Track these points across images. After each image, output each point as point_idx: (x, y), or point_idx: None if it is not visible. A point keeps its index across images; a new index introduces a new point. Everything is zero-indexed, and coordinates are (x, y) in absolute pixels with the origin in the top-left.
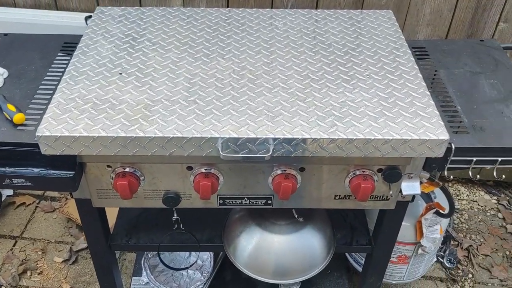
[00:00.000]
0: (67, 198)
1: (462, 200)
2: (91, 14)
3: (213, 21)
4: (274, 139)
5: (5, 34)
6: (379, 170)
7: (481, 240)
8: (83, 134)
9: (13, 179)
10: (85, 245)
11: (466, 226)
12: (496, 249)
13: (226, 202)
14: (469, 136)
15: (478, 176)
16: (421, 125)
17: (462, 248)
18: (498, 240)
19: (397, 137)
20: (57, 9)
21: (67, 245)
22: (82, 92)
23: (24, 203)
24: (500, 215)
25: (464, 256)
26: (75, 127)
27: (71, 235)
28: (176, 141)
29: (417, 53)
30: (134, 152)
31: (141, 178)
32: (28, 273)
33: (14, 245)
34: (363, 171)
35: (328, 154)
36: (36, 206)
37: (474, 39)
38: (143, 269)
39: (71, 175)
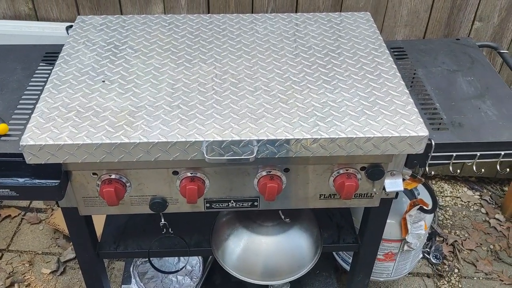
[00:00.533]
0: (53, 209)
1: (446, 196)
2: (72, 24)
3: (194, 27)
4: (258, 141)
5: None
6: (362, 168)
7: (466, 235)
8: (68, 142)
9: None
10: (73, 255)
11: (451, 222)
12: (481, 244)
13: (213, 206)
14: (449, 132)
15: (458, 171)
16: (401, 123)
17: (447, 244)
18: (482, 235)
19: (378, 135)
20: (38, 20)
21: (54, 256)
22: (66, 100)
23: (9, 215)
24: (483, 210)
25: (450, 251)
26: (60, 135)
27: (59, 246)
28: (161, 146)
29: (396, 53)
30: (120, 159)
31: (127, 184)
32: (16, 286)
33: (0, 258)
34: (347, 170)
35: (312, 154)
36: (22, 218)
37: (450, 38)
38: (132, 276)
39: (56, 184)
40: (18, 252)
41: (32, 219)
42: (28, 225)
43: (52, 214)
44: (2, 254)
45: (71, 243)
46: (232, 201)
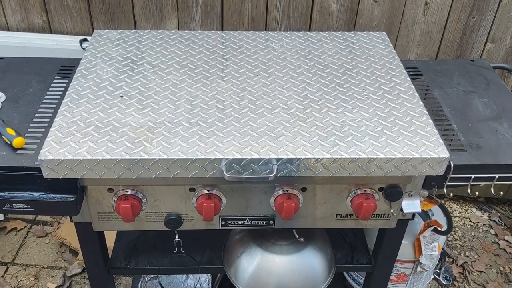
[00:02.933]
0: (59, 222)
1: (455, 217)
2: (86, 37)
3: (211, 43)
4: (278, 159)
5: (1, 58)
6: (380, 189)
7: (475, 256)
8: (87, 157)
9: (13, 204)
10: (79, 270)
11: (460, 243)
12: (490, 265)
13: (228, 223)
14: (467, 154)
15: (477, 193)
16: (421, 144)
17: (457, 265)
18: (491, 256)
19: (399, 156)
20: (51, 33)
21: (60, 270)
22: (84, 115)
23: (15, 228)
24: (492, 231)
25: (460, 273)
26: (78, 150)
27: (64, 260)
28: (180, 162)
29: (411, 73)
30: (138, 175)
31: (143, 200)
32: None
33: (5, 272)
34: (365, 190)
35: (331, 173)
36: (28, 231)
37: (464, 59)
38: None
39: (72, 199)
40: (23, 265)
41: (38, 232)
42: (34, 238)
43: (58, 227)
44: (8, 268)
45: (77, 257)
46: (247, 219)
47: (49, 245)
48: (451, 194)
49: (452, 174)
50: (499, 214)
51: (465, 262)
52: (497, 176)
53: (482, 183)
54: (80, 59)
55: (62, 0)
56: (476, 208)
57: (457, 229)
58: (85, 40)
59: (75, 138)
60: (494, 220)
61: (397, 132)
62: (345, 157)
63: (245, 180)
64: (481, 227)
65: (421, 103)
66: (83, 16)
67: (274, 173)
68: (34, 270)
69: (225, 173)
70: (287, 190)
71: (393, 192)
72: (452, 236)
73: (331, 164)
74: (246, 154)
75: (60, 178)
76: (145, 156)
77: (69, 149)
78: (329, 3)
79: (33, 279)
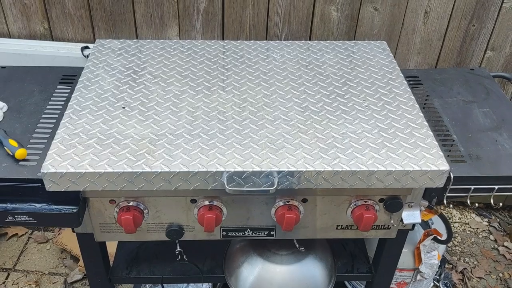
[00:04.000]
0: (60, 228)
1: (455, 223)
2: (87, 44)
3: (212, 53)
4: (279, 172)
5: (3, 67)
6: (381, 200)
7: (475, 262)
8: (89, 170)
9: (15, 216)
10: (80, 276)
11: (460, 249)
12: (490, 272)
13: (229, 234)
14: (467, 165)
15: (477, 204)
16: (421, 156)
17: (456, 271)
18: (491, 263)
19: (400, 169)
20: (53, 40)
21: (61, 277)
22: (86, 126)
23: (16, 234)
24: (491, 237)
25: (459, 279)
26: (81, 163)
27: (65, 266)
28: (182, 175)
29: (411, 82)
30: (140, 187)
31: (145, 211)
32: None
33: (6, 278)
34: (365, 202)
35: (332, 185)
36: (29, 237)
37: (464, 68)
38: None
39: (75, 211)
40: (24, 272)
41: (39, 238)
42: (35, 244)
43: (59, 234)
44: (9, 274)
45: (78, 263)
46: (248, 229)
47: (50, 251)
48: (451, 205)
49: (452, 185)
50: (498, 220)
51: (465, 268)
52: (496, 187)
53: (481, 194)
54: (81, 68)
55: (63, 7)
56: (475, 214)
57: (456, 235)
58: (87, 47)
59: (77, 151)
60: (493, 226)
61: (398, 144)
62: (345, 170)
63: (246, 193)
64: (480, 233)
65: (421, 114)
66: (84, 24)
67: (275, 186)
68: (35, 276)
69: (226, 186)
70: (288, 201)
71: (393, 203)
72: (452, 242)
73: (331, 176)
74: (247, 167)
75: (63, 190)
76: (147, 169)
77: (72, 162)
78: (330, 11)
79: (34, 285)
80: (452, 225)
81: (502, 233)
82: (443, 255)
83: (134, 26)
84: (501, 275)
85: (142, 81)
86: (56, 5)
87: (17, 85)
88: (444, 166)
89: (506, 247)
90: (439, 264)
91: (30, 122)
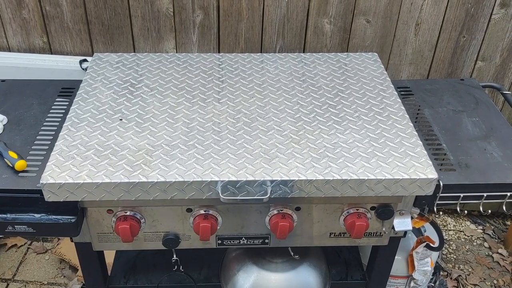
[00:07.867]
0: (59, 239)
1: (449, 230)
2: (86, 57)
3: (208, 66)
4: (272, 181)
5: (3, 80)
6: (372, 208)
7: (469, 270)
8: (87, 181)
9: (15, 226)
10: (79, 286)
11: (454, 256)
12: (484, 279)
13: (224, 242)
14: (456, 173)
15: (466, 212)
16: (411, 165)
17: (451, 278)
18: (485, 270)
19: (389, 177)
20: (52, 53)
21: (60, 287)
22: (84, 138)
23: (15, 244)
24: (486, 244)
25: (454, 286)
26: (79, 174)
27: (64, 276)
28: (177, 185)
29: (402, 92)
30: (137, 197)
31: (142, 221)
32: None
33: None
34: (357, 209)
35: (324, 194)
36: (28, 248)
37: (455, 79)
38: None
39: (73, 221)
40: (23, 282)
41: (38, 249)
42: (34, 255)
43: (58, 244)
44: (8, 284)
45: (77, 273)
46: (243, 238)
47: (49, 262)
48: (441, 213)
49: (441, 193)
50: (493, 227)
51: (459, 275)
52: (485, 194)
53: (471, 202)
54: (80, 80)
55: (62, 22)
56: (470, 221)
57: (451, 242)
58: (85, 60)
59: (75, 162)
60: (488, 233)
61: (388, 154)
62: (337, 179)
63: (240, 202)
64: (475, 240)
65: (411, 124)
66: (82, 37)
67: (268, 195)
68: (34, 286)
69: (220, 195)
70: (281, 210)
71: (384, 211)
72: (446, 250)
73: (323, 185)
74: (241, 176)
75: (61, 200)
76: (143, 179)
77: (70, 173)
78: (323, 24)
79: None
80: (446, 233)
81: (496, 240)
82: (437, 262)
83: (131, 39)
84: (495, 282)
85: (139, 93)
86: (55, 19)
87: (17, 98)
88: (432, 174)
89: (501, 254)
90: (433, 271)
91: (30, 134)
